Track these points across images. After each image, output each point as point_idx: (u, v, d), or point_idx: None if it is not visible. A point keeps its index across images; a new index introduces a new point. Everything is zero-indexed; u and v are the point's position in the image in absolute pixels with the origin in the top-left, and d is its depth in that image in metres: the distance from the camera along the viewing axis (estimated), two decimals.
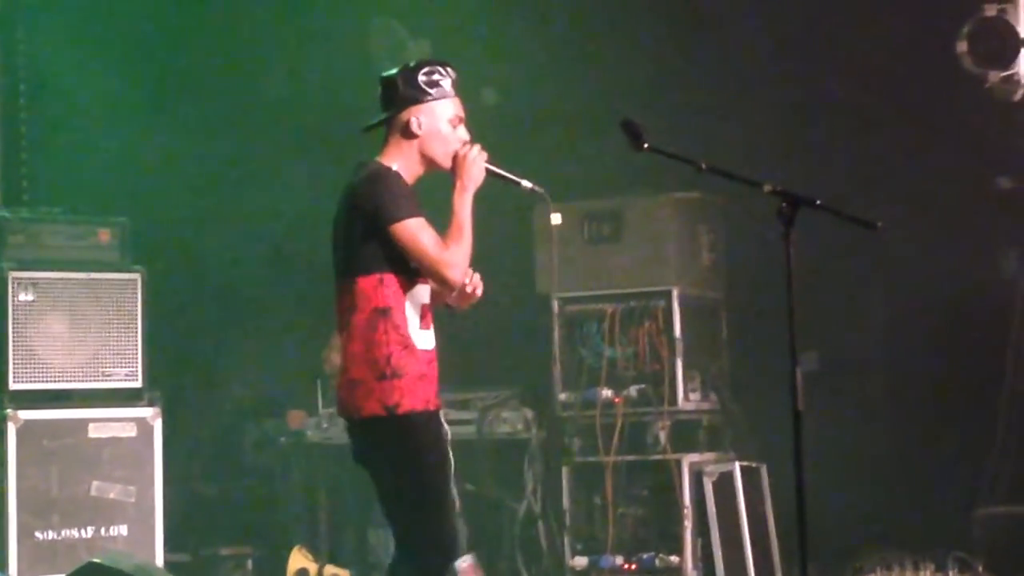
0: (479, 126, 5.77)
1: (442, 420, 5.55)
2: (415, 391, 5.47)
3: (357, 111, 6.10)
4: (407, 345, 5.47)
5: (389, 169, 5.56)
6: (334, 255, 5.62)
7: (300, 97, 10.07)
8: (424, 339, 5.56)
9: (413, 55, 8.93)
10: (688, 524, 8.41)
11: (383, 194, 5.46)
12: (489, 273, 5.65)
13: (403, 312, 5.48)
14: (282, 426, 9.54)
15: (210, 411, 10.16)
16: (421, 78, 5.63)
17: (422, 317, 5.56)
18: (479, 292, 5.71)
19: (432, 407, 5.52)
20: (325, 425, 9.24)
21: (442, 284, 5.53)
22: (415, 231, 5.44)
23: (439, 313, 5.71)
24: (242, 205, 9.97)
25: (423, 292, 5.58)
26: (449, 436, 5.54)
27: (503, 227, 6.13)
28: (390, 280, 5.48)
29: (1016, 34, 7.74)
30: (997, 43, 7.81)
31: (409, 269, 5.51)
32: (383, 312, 5.46)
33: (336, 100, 9.59)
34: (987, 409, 8.45)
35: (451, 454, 5.49)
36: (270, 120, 10.04)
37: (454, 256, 5.47)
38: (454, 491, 5.48)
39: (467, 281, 5.63)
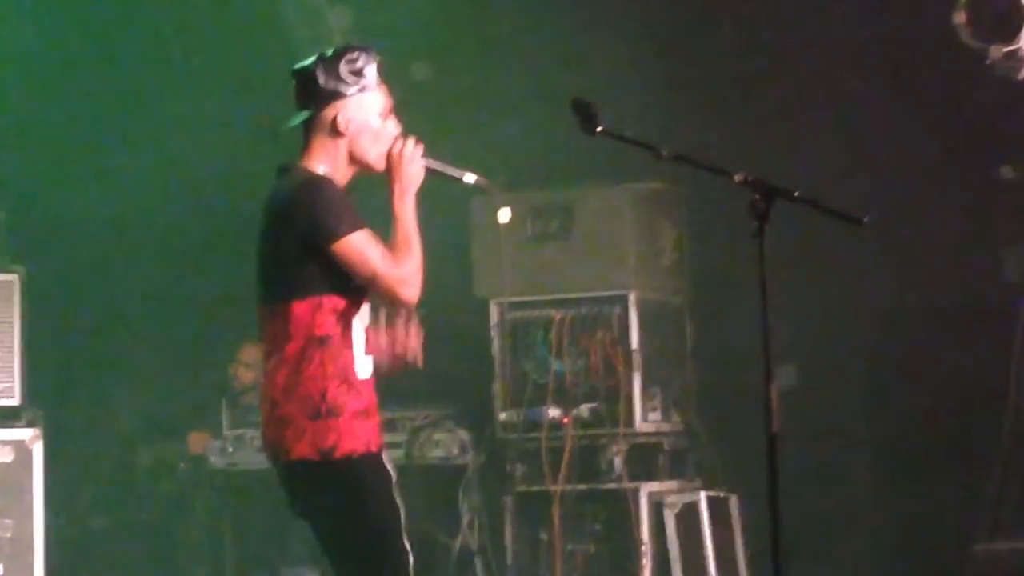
0: (409, 109, 5.54)
1: (386, 462, 5.31)
2: (354, 431, 5.22)
3: (265, 88, 6.41)
4: (347, 379, 5.25)
5: (320, 176, 5.33)
6: (260, 275, 5.37)
7: (200, 76, 9.75)
8: (366, 366, 5.34)
9: (331, 25, 8.97)
10: (647, 562, 8.26)
11: (319, 206, 5.23)
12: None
13: (347, 339, 5.27)
14: (182, 450, 9.35)
15: (99, 433, 9.89)
16: (343, 68, 5.36)
17: (366, 341, 5.37)
18: (418, 362, 5.44)
19: (374, 448, 5.27)
20: (231, 449, 9.00)
21: (396, 304, 5.33)
22: (361, 247, 5.22)
23: None
24: (135, 198, 9.62)
25: (367, 313, 5.42)
26: (395, 479, 5.29)
27: (437, 222, 5.88)
28: (330, 303, 5.24)
29: (1020, 5, 7.33)
30: (999, 14, 7.39)
31: (353, 289, 5.29)
32: (321, 341, 5.22)
33: (243, 75, 9.40)
34: (987, 431, 8.17)
35: (399, 500, 5.27)
36: (162, 102, 9.70)
37: (406, 271, 5.29)
38: (406, 542, 5.24)
39: (408, 359, 5.47)
